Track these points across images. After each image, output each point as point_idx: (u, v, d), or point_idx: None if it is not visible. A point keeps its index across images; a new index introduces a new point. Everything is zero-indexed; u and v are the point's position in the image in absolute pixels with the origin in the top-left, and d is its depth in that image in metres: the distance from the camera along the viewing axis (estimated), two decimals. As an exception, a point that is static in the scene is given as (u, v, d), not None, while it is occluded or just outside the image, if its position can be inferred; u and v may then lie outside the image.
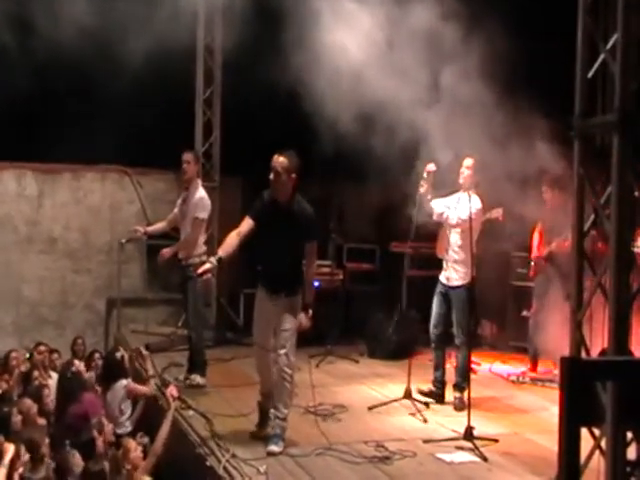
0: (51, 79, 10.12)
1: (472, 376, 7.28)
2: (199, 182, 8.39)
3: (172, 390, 7.24)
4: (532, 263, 9.01)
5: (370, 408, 7.46)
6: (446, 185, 7.51)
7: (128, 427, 7.68)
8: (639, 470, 3.72)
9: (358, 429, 6.85)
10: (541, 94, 7.58)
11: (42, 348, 9.13)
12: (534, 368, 9.01)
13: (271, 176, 6.21)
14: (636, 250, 5.69)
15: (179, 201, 8.47)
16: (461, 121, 7.10)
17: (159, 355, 9.37)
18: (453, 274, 7.53)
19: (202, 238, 8.21)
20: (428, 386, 7.72)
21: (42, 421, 7.34)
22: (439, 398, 7.68)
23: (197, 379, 8.13)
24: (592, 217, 4.22)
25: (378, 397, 7.82)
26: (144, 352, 8.22)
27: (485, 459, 6.18)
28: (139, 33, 8.28)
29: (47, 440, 6.39)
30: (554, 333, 7.76)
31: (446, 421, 7.14)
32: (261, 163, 6.45)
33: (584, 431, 3.44)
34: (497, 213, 7.80)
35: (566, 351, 4.27)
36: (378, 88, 7.13)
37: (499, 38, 7.00)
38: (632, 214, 4.02)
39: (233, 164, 11.01)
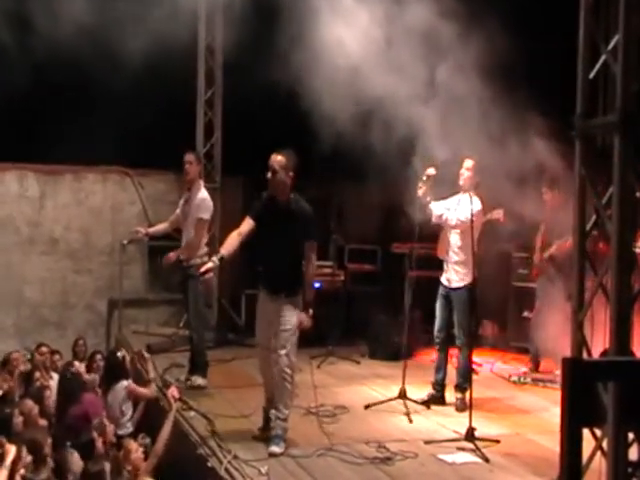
0: (52, 80, 10.12)
1: (473, 377, 7.27)
2: (201, 183, 8.38)
3: (173, 391, 7.25)
4: (534, 264, 9.03)
5: (367, 407, 7.49)
6: (445, 182, 7.49)
7: (129, 428, 7.68)
8: (641, 471, 3.73)
9: (359, 430, 6.85)
10: (540, 93, 7.59)
11: (44, 349, 9.14)
12: (536, 369, 9.01)
13: (269, 175, 6.25)
14: (637, 251, 5.68)
15: (181, 202, 8.47)
16: (461, 120, 7.10)
17: (160, 356, 9.38)
18: (453, 275, 7.53)
19: (204, 239, 8.21)
20: (427, 392, 7.71)
21: (43, 422, 7.34)
22: (439, 401, 7.67)
23: (198, 380, 8.13)
24: (593, 218, 4.22)
25: (379, 398, 7.79)
26: (146, 355, 8.21)
27: (487, 460, 6.17)
28: (140, 33, 8.28)
29: (49, 441, 6.39)
30: (556, 334, 7.76)
31: (447, 422, 7.14)
32: (262, 163, 6.46)
33: (585, 432, 3.44)
34: (498, 214, 7.80)
35: (567, 352, 4.26)
36: (379, 87, 7.13)
37: (498, 37, 7.00)
38: (634, 215, 4.01)
39: (234, 164, 11.01)
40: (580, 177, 4.21)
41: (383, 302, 10.57)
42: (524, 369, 9.06)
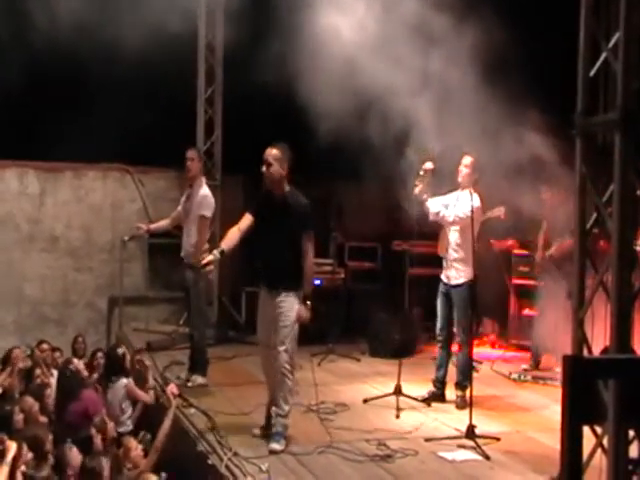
0: (52, 78, 10.13)
1: (474, 374, 7.27)
2: (203, 180, 8.37)
3: (172, 388, 7.25)
4: (536, 262, 9.06)
5: (365, 401, 7.54)
6: (444, 176, 7.48)
7: (129, 426, 7.68)
8: (641, 468, 3.73)
9: (360, 427, 6.85)
10: (541, 91, 7.59)
11: (44, 346, 9.14)
12: (536, 366, 9.02)
13: (263, 168, 6.31)
14: (638, 249, 5.68)
15: (183, 199, 8.46)
16: (459, 114, 7.10)
17: (161, 353, 9.39)
18: (453, 272, 7.53)
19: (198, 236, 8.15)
20: (427, 389, 7.72)
21: (44, 419, 7.35)
22: (439, 398, 7.68)
23: (198, 379, 8.12)
24: (594, 215, 4.22)
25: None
26: (146, 362, 8.20)
27: (487, 457, 6.18)
28: (140, 31, 8.27)
29: (51, 437, 6.39)
30: (557, 331, 7.77)
31: (448, 419, 7.14)
32: (262, 162, 6.47)
33: (586, 429, 3.44)
34: (499, 212, 7.81)
35: (568, 349, 4.27)
36: (379, 84, 7.13)
37: (498, 35, 7.00)
38: (634, 212, 4.02)
39: (234, 163, 11.01)
40: (581, 175, 4.21)
41: (383, 300, 10.58)
42: (524, 366, 9.06)
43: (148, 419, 7.63)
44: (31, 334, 10.64)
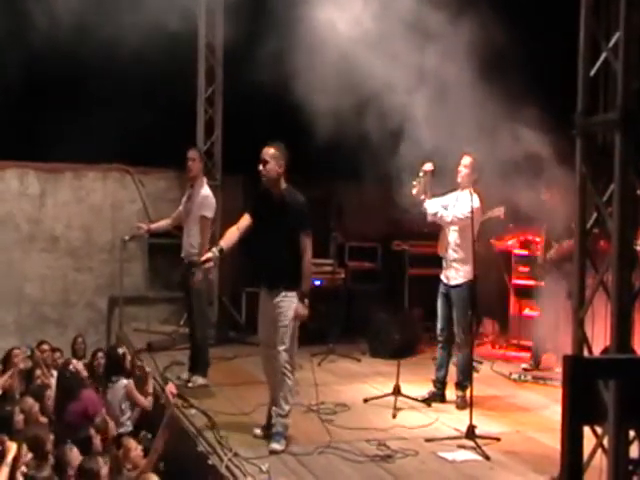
0: (52, 78, 10.13)
1: (474, 375, 7.27)
2: (204, 180, 8.36)
3: (171, 388, 7.24)
4: (537, 263, 9.06)
5: (365, 401, 7.55)
6: (444, 174, 7.47)
7: (129, 426, 7.69)
8: (641, 468, 3.73)
9: (360, 427, 6.84)
10: (541, 91, 7.59)
11: (45, 347, 9.15)
12: (537, 366, 9.02)
13: (260, 167, 6.36)
14: (638, 248, 5.68)
15: (184, 198, 8.45)
16: (459, 115, 7.10)
17: (161, 354, 9.39)
18: (452, 273, 7.53)
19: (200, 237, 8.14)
20: (428, 390, 7.71)
21: (44, 419, 7.35)
22: (440, 398, 7.67)
23: (198, 380, 8.11)
24: (594, 215, 4.22)
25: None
26: (147, 369, 8.19)
27: (487, 457, 6.17)
28: (140, 31, 8.27)
29: (52, 437, 6.40)
30: (557, 331, 7.78)
31: (448, 420, 7.14)
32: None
33: (586, 429, 3.44)
34: (499, 212, 7.81)
35: (569, 349, 4.26)
36: (380, 86, 7.13)
37: (499, 35, 7.01)
38: (634, 212, 4.01)
39: (234, 163, 11.01)
40: (581, 175, 4.21)
41: (384, 300, 10.58)
42: (524, 366, 9.06)
43: (148, 419, 7.63)
44: (31, 334, 10.64)
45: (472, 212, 7.13)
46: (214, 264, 6.86)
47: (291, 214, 6.33)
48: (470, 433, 6.49)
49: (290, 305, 6.33)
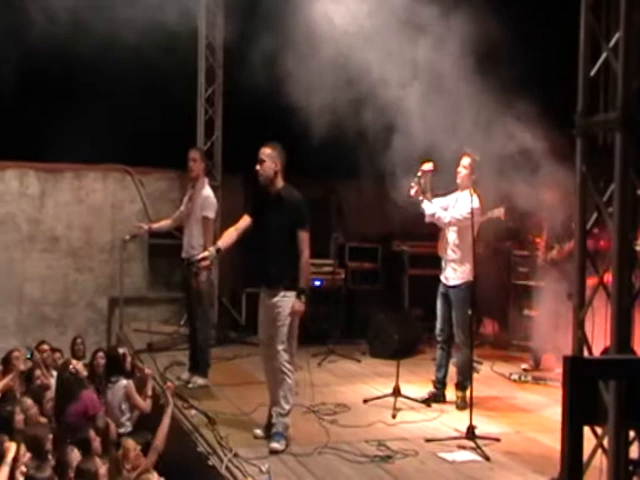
0: (52, 78, 10.12)
1: (474, 375, 7.26)
2: (206, 180, 8.36)
3: (170, 386, 7.24)
4: (538, 264, 9.07)
5: (365, 401, 7.54)
6: (443, 170, 7.46)
7: (128, 427, 7.68)
8: (642, 469, 3.73)
9: (360, 428, 6.84)
10: (541, 91, 7.58)
11: (44, 347, 9.13)
12: (537, 367, 9.02)
13: (257, 166, 6.45)
14: (638, 249, 5.68)
15: (185, 199, 8.44)
16: (459, 115, 7.10)
17: (161, 354, 9.39)
18: (451, 273, 7.53)
19: (203, 238, 8.12)
20: (428, 390, 7.71)
21: (43, 420, 7.34)
22: (440, 399, 7.67)
23: (199, 381, 8.10)
24: (595, 215, 4.22)
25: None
26: (147, 370, 8.18)
27: (487, 458, 6.17)
28: (140, 32, 8.27)
29: (51, 437, 6.39)
30: (557, 332, 7.77)
31: (448, 420, 7.14)
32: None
33: (586, 430, 3.43)
34: (499, 212, 7.81)
35: (569, 350, 4.26)
36: (381, 86, 7.13)
37: (499, 35, 7.01)
38: (635, 212, 4.01)
39: (235, 163, 11.00)
40: (581, 175, 4.20)
41: (384, 300, 10.57)
42: (524, 366, 9.06)
43: (148, 420, 7.62)
44: (31, 334, 10.63)
45: (472, 213, 7.12)
46: (210, 263, 6.90)
47: (288, 211, 6.38)
48: (470, 433, 6.49)
49: (289, 305, 6.34)
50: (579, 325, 4.21)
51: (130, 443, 6.38)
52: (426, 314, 9.16)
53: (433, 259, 8.01)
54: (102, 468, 5.85)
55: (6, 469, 5.79)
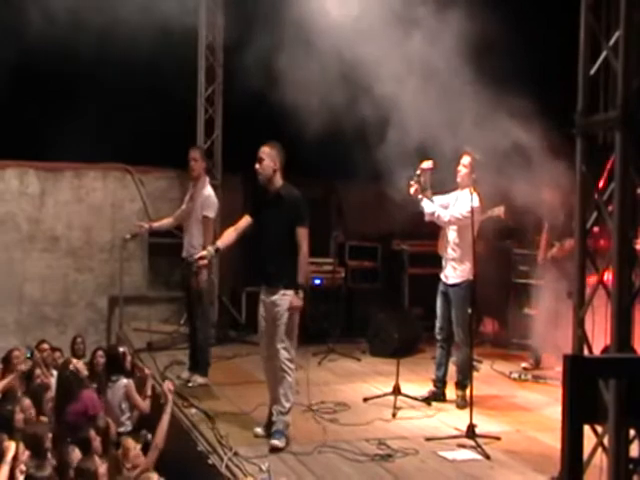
0: (52, 77, 10.12)
1: (474, 374, 7.27)
2: (207, 179, 8.35)
3: (168, 384, 7.25)
4: (538, 262, 9.07)
5: (365, 400, 7.55)
6: (444, 168, 7.46)
7: (128, 426, 7.69)
8: (642, 467, 3.73)
9: (360, 427, 6.84)
10: (541, 90, 7.59)
11: (44, 346, 9.14)
12: (537, 365, 9.02)
13: (256, 165, 6.49)
14: (638, 247, 5.68)
15: (187, 197, 8.44)
16: (460, 115, 7.10)
17: (161, 353, 9.39)
18: (451, 272, 7.53)
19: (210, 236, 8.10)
20: (428, 389, 7.72)
21: (44, 419, 7.35)
22: (440, 397, 7.67)
23: (198, 380, 8.10)
24: (595, 214, 4.22)
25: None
26: (147, 371, 8.19)
27: (487, 457, 6.18)
28: (141, 31, 8.27)
29: (50, 435, 6.39)
30: (557, 331, 7.77)
31: (448, 419, 7.14)
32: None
33: (586, 428, 3.44)
34: (499, 211, 7.81)
35: (569, 348, 4.26)
36: (382, 86, 7.13)
37: (499, 35, 7.01)
38: (635, 211, 4.01)
39: (235, 162, 10.99)
40: (581, 174, 4.21)
41: (384, 299, 10.57)
42: (524, 365, 9.06)
43: (148, 419, 7.63)
44: (31, 334, 10.64)
45: (472, 212, 7.11)
46: (209, 262, 6.91)
47: (287, 208, 6.42)
48: (470, 432, 6.49)
49: (288, 302, 6.36)
50: (579, 324, 4.21)
51: (130, 442, 6.39)
52: (426, 313, 9.16)
53: (433, 258, 8.01)
54: (102, 467, 5.86)
55: (6, 468, 5.80)
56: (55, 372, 8.50)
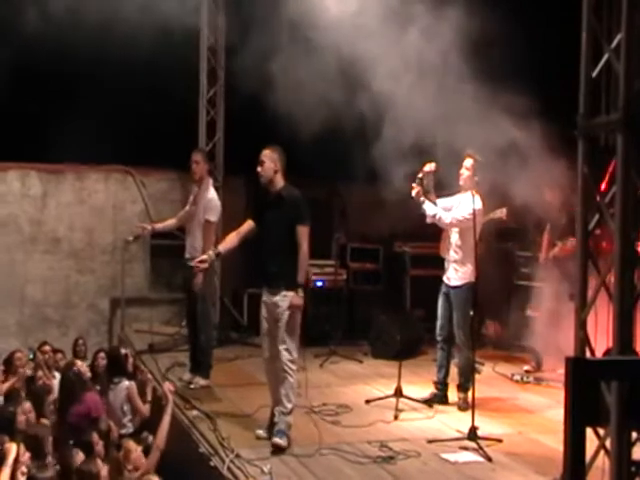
0: (54, 79, 10.13)
1: (476, 376, 7.26)
2: (210, 182, 8.33)
3: (169, 385, 7.26)
4: (540, 263, 9.05)
5: (367, 402, 7.55)
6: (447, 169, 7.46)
7: (130, 428, 7.70)
8: (644, 470, 3.72)
9: (362, 429, 6.83)
10: (543, 93, 7.58)
11: (46, 348, 9.14)
12: (539, 368, 9.00)
13: (258, 168, 6.55)
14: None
15: (190, 199, 8.43)
16: (460, 112, 7.09)
17: (163, 355, 9.38)
18: (453, 274, 7.53)
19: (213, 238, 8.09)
20: (429, 391, 7.71)
21: (45, 421, 7.35)
22: (442, 399, 7.67)
23: (200, 381, 8.09)
24: (597, 216, 4.22)
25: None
26: (148, 376, 8.19)
27: (489, 459, 6.17)
28: (143, 33, 8.28)
29: (51, 438, 6.40)
30: (559, 333, 7.76)
31: (450, 421, 7.13)
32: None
33: (588, 431, 3.43)
34: (501, 213, 7.80)
35: (571, 351, 4.26)
36: (383, 87, 7.13)
37: (499, 36, 7.01)
38: (636, 213, 4.01)
39: (237, 164, 10.99)
40: (583, 176, 4.21)
41: (385, 301, 10.56)
42: (526, 367, 9.05)
43: (149, 421, 7.63)
44: (33, 336, 10.64)
45: (474, 214, 7.11)
46: (209, 266, 6.92)
47: (288, 208, 6.45)
48: (472, 434, 6.48)
49: (288, 303, 6.37)
50: (581, 326, 4.21)
51: (131, 444, 6.39)
52: (428, 315, 9.14)
53: (435, 260, 8.00)
54: (103, 469, 5.86)
55: (7, 470, 5.80)
56: (57, 374, 8.51)
